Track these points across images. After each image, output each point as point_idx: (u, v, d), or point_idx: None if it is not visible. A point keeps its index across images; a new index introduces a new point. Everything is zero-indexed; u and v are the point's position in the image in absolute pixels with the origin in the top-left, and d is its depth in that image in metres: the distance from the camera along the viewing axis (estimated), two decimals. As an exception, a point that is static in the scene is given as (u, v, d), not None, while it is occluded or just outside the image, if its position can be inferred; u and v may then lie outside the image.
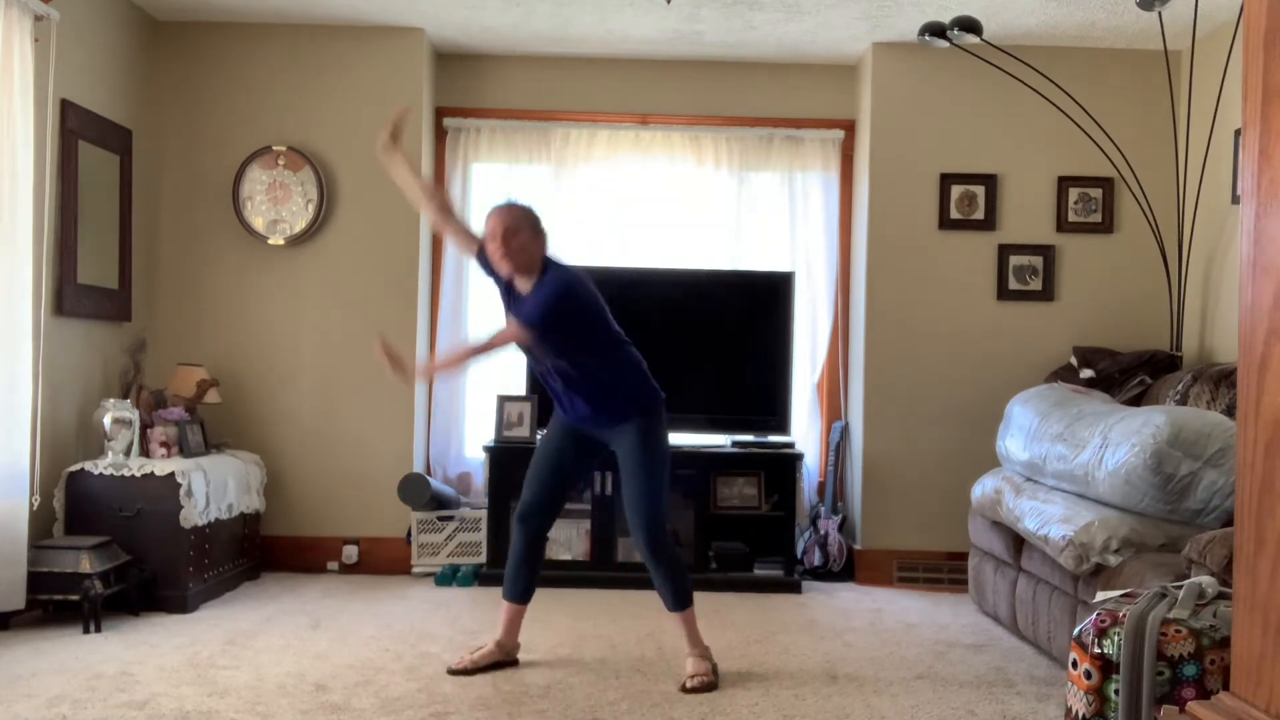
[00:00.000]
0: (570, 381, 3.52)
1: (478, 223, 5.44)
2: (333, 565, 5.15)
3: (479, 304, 5.50)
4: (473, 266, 5.48)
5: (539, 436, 5.11)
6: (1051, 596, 3.80)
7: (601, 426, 3.57)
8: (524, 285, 3.49)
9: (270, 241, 5.13)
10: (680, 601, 3.55)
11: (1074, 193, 5.23)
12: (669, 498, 3.67)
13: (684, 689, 3.39)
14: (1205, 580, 2.53)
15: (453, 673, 3.51)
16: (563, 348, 3.46)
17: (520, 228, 3.42)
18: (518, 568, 3.66)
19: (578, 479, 3.90)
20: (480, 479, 5.38)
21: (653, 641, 3.93)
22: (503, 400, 5.16)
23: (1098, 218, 5.22)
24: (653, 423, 3.58)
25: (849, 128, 5.52)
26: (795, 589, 4.93)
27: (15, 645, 3.72)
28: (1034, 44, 5.13)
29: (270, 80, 5.18)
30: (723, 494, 5.12)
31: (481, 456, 5.20)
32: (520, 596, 3.67)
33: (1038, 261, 5.23)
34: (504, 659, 3.63)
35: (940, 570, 5.13)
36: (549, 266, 3.47)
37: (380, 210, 5.18)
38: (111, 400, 4.37)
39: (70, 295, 4.38)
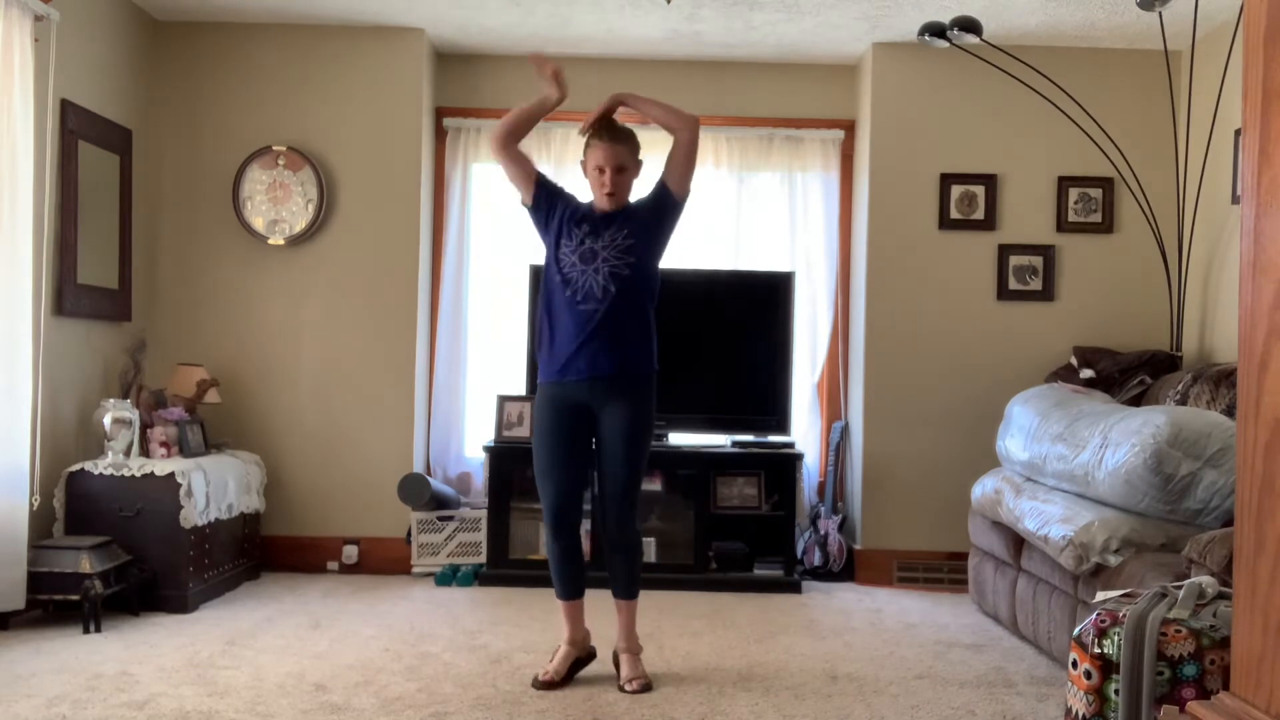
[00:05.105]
0: (594, 317, 3.34)
1: (477, 223, 5.51)
2: (333, 565, 5.15)
3: (479, 304, 5.50)
4: (473, 266, 5.50)
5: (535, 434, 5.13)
6: (1051, 596, 3.80)
7: (603, 386, 3.37)
8: (604, 206, 3.46)
9: (270, 241, 5.13)
10: (634, 589, 3.49)
11: (1074, 193, 5.23)
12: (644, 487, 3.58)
13: (623, 690, 3.34)
14: (1205, 580, 2.52)
15: (540, 686, 3.33)
16: (633, 250, 3.37)
17: (633, 166, 3.49)
18: (565, 569, 3.47)
19: (590, 459, 3.51)
20: (480, 479, 5.37)
21: (652, 642, 3.92)
22: (503, 400, 5.16)
23: (1098, 218, 5.22)
24: (650, 395, 3.47)
25: (849, 128, 5.52)
26: (795, 589, 4.93)
27: (15, 645, 3.72)
28: (1034, 44, 5.13)
29: (270, 80, 5.18)
30: (723, 494, 5.12)
31: (481, 456, 5.20)
32: (578, 592, 3.51)
33: (1038, 261, 5.23)
34: (582, 655, 3.52)
35: (940, 570, 5.13)
36: None
37: (380, 210, 5.18)
38: (111, 400, 4.37)
39: (70, 295, 4.38)
